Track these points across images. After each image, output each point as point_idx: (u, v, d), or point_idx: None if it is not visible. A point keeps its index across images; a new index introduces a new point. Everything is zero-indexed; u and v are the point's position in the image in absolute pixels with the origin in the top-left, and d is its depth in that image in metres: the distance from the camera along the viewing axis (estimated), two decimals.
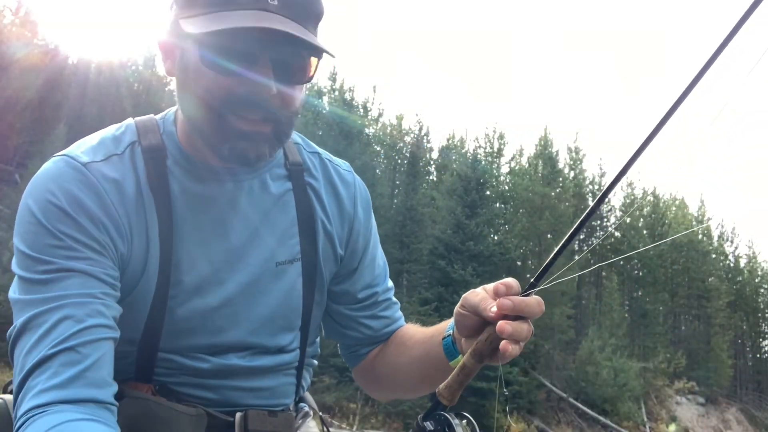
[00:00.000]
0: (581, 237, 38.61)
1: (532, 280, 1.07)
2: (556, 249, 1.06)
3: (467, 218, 27.95)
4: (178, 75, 1.16)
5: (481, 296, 1.09)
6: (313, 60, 1.15)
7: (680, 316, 40.61)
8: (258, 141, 1.14)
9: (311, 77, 1.17)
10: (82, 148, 1.17)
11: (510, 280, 1.07)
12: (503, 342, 1.00)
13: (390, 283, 1.51)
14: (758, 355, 45.14)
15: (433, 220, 30.73)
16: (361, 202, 1.43)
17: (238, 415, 1.27)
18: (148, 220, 1.17)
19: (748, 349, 44.77)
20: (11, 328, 1.05)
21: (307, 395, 1.58)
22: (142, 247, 1.16)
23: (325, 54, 1.14)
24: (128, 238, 1.15)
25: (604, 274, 37.26)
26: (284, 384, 1.39)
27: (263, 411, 1.30)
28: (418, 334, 1.39)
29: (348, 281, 1.42)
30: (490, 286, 1.11)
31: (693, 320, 40.66)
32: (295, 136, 1.40)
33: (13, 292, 1.08)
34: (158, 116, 1.29)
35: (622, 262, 37.79)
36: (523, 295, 1.05)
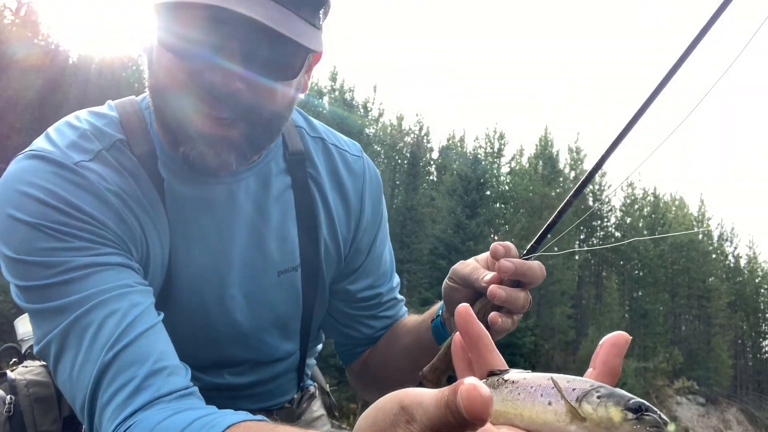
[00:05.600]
0: (581, 237, 38.67)
1: (533, 242, 0.98)
2: (557, 211, 0.97)
3: (467, 218, 27.95)
4: (147, 55, 1.00)
5: (472, 266, 1.00)
6: (300, 53, 0.97)
7: (680, 316, 40.58)
8: (221, 147, 0.97)
9: (296, 73, 0.99)
10: (60, 142, 1.02)
11: (508, 243, 0.98)
12: (492, 313, 0.92)
13: (396, 280, 1.37)
14: (758, 355, 45.13)
15: (433, 220, 30.72)
16: (370, 194, 1.27)
17: None
18: (145, 227, 1.04)
19: (748, 349, 44.76)
20: (39, 343, 0.94)
21: (315, 371, 1.49)
22: (145, 256, 1.05)
23: (314, 51, 0.97)
24: (135, 242, 1.03)
25: (604, 274, 37.25)
26: (283, 385, 1.33)
27: (260, 414, 1.26)
28: (410, 323, 1.28)
29: (349, 280, 1.28)
30: (483, 254, 1.02)
31: (693, 320, 40.63)
32: (298, 118, 1.24)
33: (26, 302, 0.95)
34: (140, 100, 1.12)
35: (621, 262, 37.77)
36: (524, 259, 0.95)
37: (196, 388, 0.91)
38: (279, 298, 1.19)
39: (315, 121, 1.27)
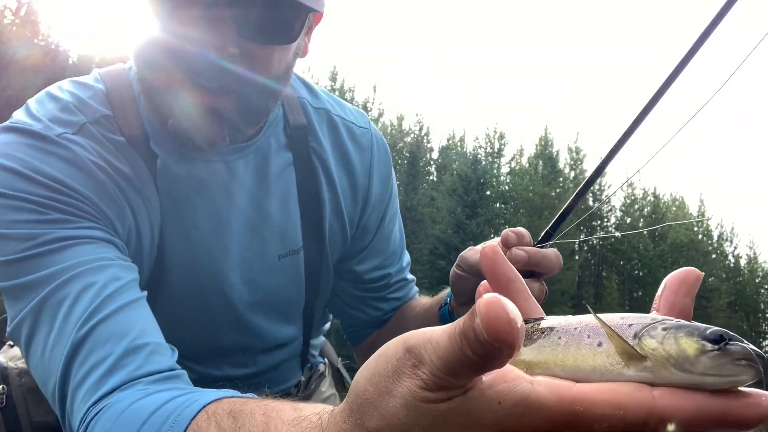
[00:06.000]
0: (581, 237, 38.62)
1: (547, 228, 0.90)
2: (575, 193, 0.91)
3: (467, 218, 27.94)
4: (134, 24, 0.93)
5: None
6: (300, 14, 0.89)
7: None
8: (212, 119, 0.90)
9: (296, 36, 0.91)
10: (41, 114, 0.95)
11: (521, 229, 0.90)
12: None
13: (406, 259, 1.28)
14: None
15: (433, 220, 30.71)
16: (379, 170, 1.17)
17: None
18: (134, 205, 0.97)
19: None
20: (11, 321, 0.85)
21: (326, 347, 1.41)
22: (134, 234, 0.98)
23: (315, 10, 0.90)
24: (122, 218, 0.95)
25: (604, 274, 37.24)
26: (285, 372, 1.26)
27: None
28: (418, 307, 1.22)
29: (356, 260, 1.20)
30: (492, 240, 0.92)
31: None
32: (300, 87, 1.14)
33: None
34: (129, 69, 1.04)
35: (621, 262, 37.76)
36: (538, 248, 0.88)
37: (183, 372, 0.81)
38: (279, 282, 1.11)
39: (318, 90, 1.17)
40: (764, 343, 45.24)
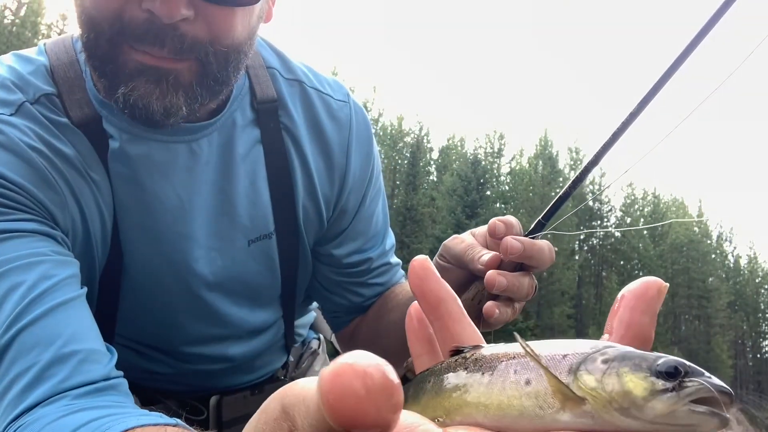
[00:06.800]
0: (581, 237, 38.67)
1: (539, 218, 0.84)
2: (570, 182, 0.84)
3: (467, 218, 27.97)
4: None
5: (468, 243, 0.85)
6: None
7: (680, 316, 40.59)
8: (166, 85, 0.80)
9: None
10: None
11: (510, 218, 0.83)
12: (488, 304, 0.77)
13: (390, 242, 1.18)
14: (758, 355, 45.14)
15: (433, 220, 30.73)
16: (357, 147, 1.07)
17: (212, 401, 1.08)
18: (78, 191, 0.88)
19: (748, 349, 44.77)
20: None
21: (318, 321, 1.32)
22: (80, 222, 0.89)
23: None
24: (64, 207, 0.87)
25: (604, 274, 37.27)
26: (267, 356, 1.17)
27: (244, 392, 1.11)
28: (401, 294, 1.11)
29: (333, 244, 1.10)
30: (480, 228, 0.87)
31: (693, 320, 40.63)
32: (270, 57, 1.04)
33: None
34: (76, 40, 0.94)
35: (621, 262, 37.76)
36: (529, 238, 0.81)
37: (120, 380, 0.74)
38: (251, 269, 1.03)
39: (293, 61, 1.06)
40: (764, 343, 45.27)
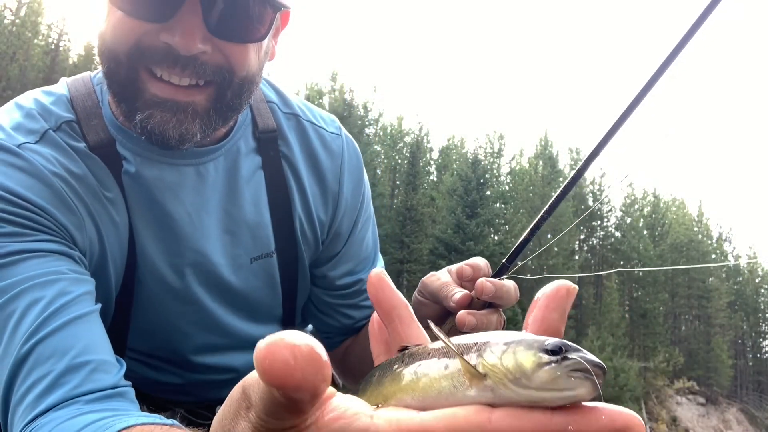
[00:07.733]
0: (581, 237, 38.70)
1: (503, 261, 0.90)
2: (529, 228, 0.90)
3: (467, 218, 27.96)
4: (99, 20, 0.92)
5: (442, 281, 0.92)
6: (268, 11, 0.91)
7: (680, 316, 40.60)
8: (184, 114, 0.89)
9: (264, 34, 0.92)
10: (6, 123, 0.95)
11: (478, 259, 0.91)
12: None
13: (379, 265, 1.26)
14: (758, 355, 45.17)
15: (433, 220, 30.73)
16: (349, 175, 1.18)
17: (218, 410, 1.15)
18: (96, 213, 0.96)
19: (748, 349, 44.79)
20: None
21: (315, 335, 1.33)
22: (96, 241, 0.97)
23: (282, 1, 0.90)
24: (82, 228, 0.95)
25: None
26: None
27: None
28: None
29: (327, 266, 1.20)
30: (454, 267, 0.94)
31: (693, 320, 40.65)
32: (270, 92, 1.15)
33: None
34: (94, 76, 1.06)
35: (621, 262, 37.74)
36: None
37: (128, 389, 0.81)
38: (253, 285, 1.12)
39: (290, 96, 1.18)
40: (764, 343, 45.27)
